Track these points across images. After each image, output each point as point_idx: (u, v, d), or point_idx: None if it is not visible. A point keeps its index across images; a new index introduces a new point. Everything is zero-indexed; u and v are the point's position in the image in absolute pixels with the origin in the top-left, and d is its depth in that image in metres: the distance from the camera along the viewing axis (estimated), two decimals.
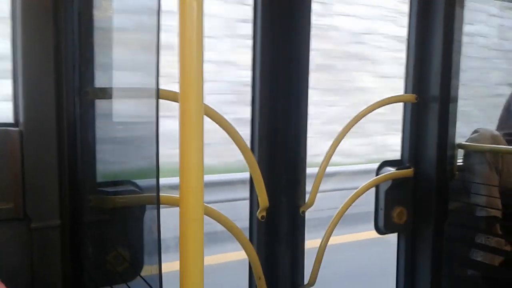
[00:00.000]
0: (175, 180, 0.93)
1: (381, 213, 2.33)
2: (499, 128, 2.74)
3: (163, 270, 1.14)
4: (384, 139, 8.02)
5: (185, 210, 0.90)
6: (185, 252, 0.90)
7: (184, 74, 0.90)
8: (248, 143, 1.97)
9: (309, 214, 2.11)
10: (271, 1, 1.98)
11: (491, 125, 2.83)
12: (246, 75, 2.09)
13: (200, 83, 0.90)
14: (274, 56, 2.00)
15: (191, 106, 0.90)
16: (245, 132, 1.94)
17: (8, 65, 1.58)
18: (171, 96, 1.57)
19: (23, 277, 1.57)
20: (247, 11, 2.10)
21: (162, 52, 1.09)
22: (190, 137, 0.90)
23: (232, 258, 4.01)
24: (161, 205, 1.14)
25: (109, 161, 1.66)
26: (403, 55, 2.37)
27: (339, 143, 2.14)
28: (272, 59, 2.00)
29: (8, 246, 1.55)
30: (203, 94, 0.92)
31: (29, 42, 1.54)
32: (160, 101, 1.12)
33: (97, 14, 1.61)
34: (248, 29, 2.05)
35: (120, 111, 1.58)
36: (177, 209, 0.92)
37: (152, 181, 1.15)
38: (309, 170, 2.09)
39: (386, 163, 2.38)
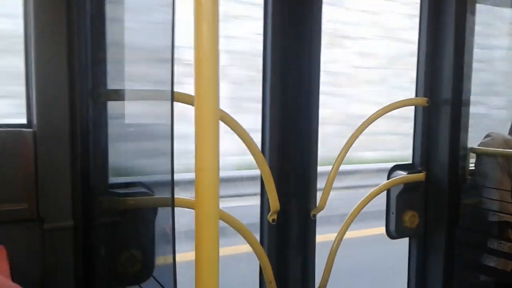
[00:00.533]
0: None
1: (393, 217, 2.32)
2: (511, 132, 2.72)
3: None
4: None
5: (200, 213, 0.90)
6: (200, 255, 0.90)
7: (199, 78, 0.89)
8: (259, 147, 1.97)
9: None
10: (281, 4, 1.98)
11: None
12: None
13: (216, 87, 0.90)
14: (285, 64, 2.00)
15: (207, 110, 0.90)
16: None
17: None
18: (187, 99, 1.57)
19: (36, 277, 1.58)
20: None
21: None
22: (206, 141, 0.90)
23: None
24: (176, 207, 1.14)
25: (122, 163, 1.66)
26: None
27: (351, 146, 2.13)
28: (282, 66, 2.00)
29: (21, 247, 1.56)
30: (219, 97, 0.91)
31: (42, 43, 1.55)
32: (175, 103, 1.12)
33: (110, 16, 1.62)
34: None
35: (133, 113, 1.58)
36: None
37: (167, 183, 1.16)
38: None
39: (397, 167, 2.37)
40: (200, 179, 0.90)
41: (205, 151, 0.90)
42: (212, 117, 0.90)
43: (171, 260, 1.13)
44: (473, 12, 2.29)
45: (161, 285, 1.35)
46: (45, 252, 1.58)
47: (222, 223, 1.83)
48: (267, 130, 2.02)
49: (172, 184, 1.10)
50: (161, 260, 1.44)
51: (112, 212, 1.62)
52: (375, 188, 2.24)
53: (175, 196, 1.19)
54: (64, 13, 1.56)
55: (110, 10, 1.62)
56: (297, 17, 2.00)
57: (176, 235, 1.16)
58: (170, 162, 1.10)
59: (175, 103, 1.20)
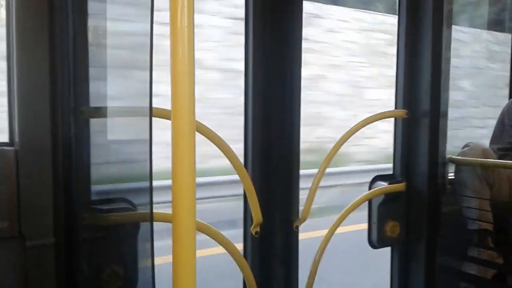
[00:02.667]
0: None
1: (374, 227, 2.35)
2: (493, 142, 2.77)
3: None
4: None
5: (177, 227, 0.92)
6: (178, 268, 0.92)
7: (176, 92, 0.92)
8: (241, 159, 1.99)
9: None
10: (263, 5, 2.00)
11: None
12: None
13: (192, 101, 0.93)
14: (266, 72, 2.02)
15: (183, 123, 0.92)
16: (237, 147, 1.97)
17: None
18: (164, 114, 1.59)
19: None
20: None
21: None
22: (182, 154, 0.92)
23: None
24: (154, 222, 1.16)
25: (103, 179, 1.67)
26: None
27: (332, 158, 2.17)
28: (264, 75, 2.03)
29: (2, 265, 1.55)
30: (195, 111, 0.94)
31: (24, 60, 1.56)
32: (154, 119, 1.15)
33: (92, 34, 1.64)
34: None
35: (114, 130, 1.60)
36: None
37: (146, 199, 1.17)
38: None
39: (378, 178, 2.40)
40: (176, 192, 0.92)
41: (181, 163, 0.92)
42: (188, 129, 0.92)
43: (151, 275, 1.15)
44: (449, 26, 2.36)
45: None
46: (27, 269, 1.58)
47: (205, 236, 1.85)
48: (249, 142, 2.05)
49: (150, 199, 1.12)
50: (142, 276, 1.45)
51: (94, 228, 1.62)
52: (356, 199, 2.27)
53: (155, 210, 1.21)
54: (46, 32, 1.58)
55: (92, 28, 1.64)
56: (277, 21, 2.02)
57: None
58: (149, 177, 1.12)
59: (155, 119, 1.23)
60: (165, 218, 1.61)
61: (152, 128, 1.13)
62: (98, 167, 1.63)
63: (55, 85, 1.58)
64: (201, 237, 1.31)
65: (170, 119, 0.93)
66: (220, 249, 1.94)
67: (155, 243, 1.18)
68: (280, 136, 2.07)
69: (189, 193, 0.92)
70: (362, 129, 2.26)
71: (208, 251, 2.95)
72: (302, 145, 2.09)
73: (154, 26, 1.11)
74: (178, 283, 0.92)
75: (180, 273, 0.91)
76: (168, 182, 0.91)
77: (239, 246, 2.02)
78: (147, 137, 1.14)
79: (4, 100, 1.59)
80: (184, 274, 0.91)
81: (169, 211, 1.01)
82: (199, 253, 0.97)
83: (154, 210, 1.17)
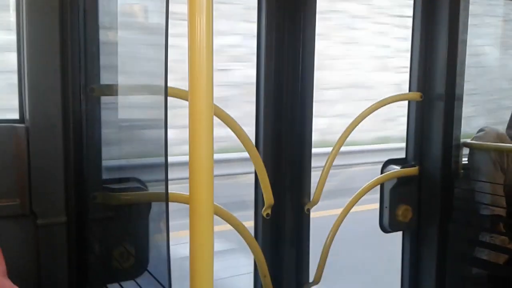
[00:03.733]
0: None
1: (386, 211, 2.33)
2: (509, 127, 2.72)
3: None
4: None
5: (195, 208, 0.90)
6: (195, 250, 0.90)
7: (193, 73, 0.89)
8: (253, 141, 1.97)
9: None
10: (276, 2, 1.98)
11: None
12: None
13: (210, 82, 0.90)
14: (279, 55, 2.00)
15: (201, 105, 0.90)
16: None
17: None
18: (181, 95, 1.57)
19: (30, 273, 1.57)
20: None
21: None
22: (200, 136, 0.90)
23: None
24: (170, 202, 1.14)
25: (115, 158, 1.66)
26: None
27: (344, 141, 2.14)
28: (277, 58, 2.00)
29: (15, 242, 1.55)
30: (213, 92, 0.91)
31: (35, 38, 1.54)
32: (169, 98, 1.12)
33: (103, 10, 1.61)
34: None
35: (126, 108, 1.58)
36: None
37: (159, 178, 1.15)
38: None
39: (391, 161, 2.38)
40: (194, 174, 0.90)
41: (199, 146, 0.90)
42: (206, 112, 0.90)
43: (165, 255, 1.13)
44: (466, 8, 2.30)
45: (156, 279, 1.35)
46: (38, 247, 1.58)
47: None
48: (261, 125, 2.03)
49: (166, 178, 1.10)
50: (155, 254, 1.44)
51: (106, 207, 1.62)
52: (368, 182, 2.25)
53: (170, 191, 1.19)
54: (57, 9, 1.55)
55: (103, 5, 1.61)
56: (291, 12, 2.00)
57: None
58: (164, 157, 1.10)
59: (169, 98, 1.20)
60: (181, 199, 1.60)
61: (167, 108, 1.10)
62: (110, 146, 1.62)
63: (65, 62, 1.56)
64: None
65: (187, 100, 0.91)
66: None
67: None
68: (292, 118, 2.04)
69: (207, 176, 0.90)
70: None
71: None
72: None
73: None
74: (196, 265, 0.90)
75: (198, 255, 0.90)
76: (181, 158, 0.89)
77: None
78: (162, 116, 1.11)
79: (15, 78, 1.57)
80: (202, 258, 0.90)
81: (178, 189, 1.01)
82: None
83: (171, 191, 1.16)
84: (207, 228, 0.90)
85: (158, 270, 1.35)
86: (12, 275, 1.28)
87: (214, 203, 0.91)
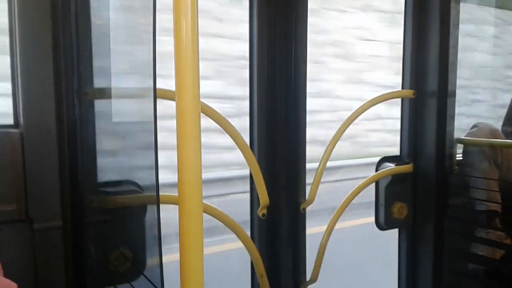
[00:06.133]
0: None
1: (382, 209, 2.34)
2: (505, 124, 2.73)
3: (167, 266, 1.15)
4: None
5: (184, 208, 0.91)
6: (185, 250, 0.91)
7: (180, 73, 0.90)
8: (247, 140, 1.97)
9: None
10: (267, 3, 1.99)
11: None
12: None
13: (196, 81, 0.91)
14: (272, 52, 2.01)
15: (188, 104, 0.91)
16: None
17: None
18: (169, 95, 1.58)
19: (26, 278, 1.58)
20: None
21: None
22: (188, 135, 0.91)
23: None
24: (161, 204, 1.15)
25: (109, 162, 1.67)
26: None
27: (339, 139, 2.15)
28: (269, 55, 2.01)
29: (11, 248, 1.56)
30: (200, 91, 0.92)
31: (28, 43, 1.55)
32: (159, 100, 1.13)
33: (95, 14, 1.62)
34: None
35: (119, 111, 1.59)
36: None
37: (152, 180, 1.16)
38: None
39: (385, 159, 2.39)
40: (182, 174, 0.91)
41: (187, 145, 0.91)
42: (193, 111, 0.90)
43: (158, 258, 1.14)
44: (457, 4, 2.31)
45: (152, 283, 1.36)
46: (35, 252, 1.59)
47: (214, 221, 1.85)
48: (255, 124, 2.03)
49: (156, 180, 1.11)
50: (151, 258, 1.44)
51: (101, 210, 1.62)
52: (363, 181, 2.26)
53: (161, 193, 1.20)
54: (49, 12, 1.56)
55: (94, 9, 1.62)
56: (283, 15, 2.01)
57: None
58: (154, 158, 1.11)
59: (160, 100, 1.21)
60: (171, 200, 1.60)
61: (156, 109, 1.11)
62: (104, 149, 1.63)
63: (59, 66, 1.57)
64: None
65: (174, 100, 0.92)
66: None
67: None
68: (286, 117, 2.05)
69: (195, 175, 0.91)
70: None
71: None
72: None
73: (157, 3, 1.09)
74: (185, 265, 0.91)
75: (187, 255, 0.91)
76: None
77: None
78: (152, 118, 1.12)
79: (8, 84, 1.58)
80: (191, 257, 0.91)
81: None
82: None
83: (163, 192, 1.16)
84: (196, 227, 0.91)
85: (154, 274, 1.36)
86: (8, 279, 1.29)
87: (209, 203, 0.92)
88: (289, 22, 2.01)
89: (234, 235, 1.93)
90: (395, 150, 2.42)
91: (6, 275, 1.28)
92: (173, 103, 0.93)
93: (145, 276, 1.44)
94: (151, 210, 1.45)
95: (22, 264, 1.59)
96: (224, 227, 1.90)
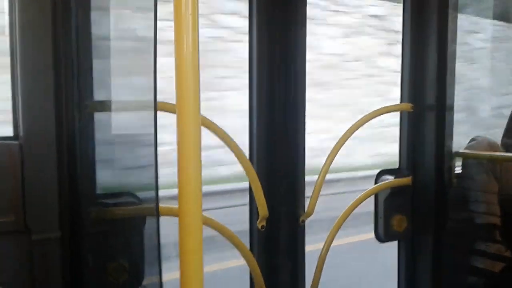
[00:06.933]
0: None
1: (381, 221, 2.34)
2: (505, 135, 2.73)
3: (168, 277, 1.15)
4: None
5: (184, 221, 0.92)
6: (185, 261, 0.91)
7: (181, 86, 0.91)
8: (246, 153, 1.98)
9: None
10: (266, 3, 2.00)
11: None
12: None
13: (197, 95, 0.92)
14: (271, 66, 2.02)
15: (189, 117, 0.91)
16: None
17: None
18: (169, 108, 1.58)
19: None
20: None
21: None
22: (188, 148, 0.91)
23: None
24: (160, 216, 1.15)
25: (108, 173, 1.67)
26: None
27: (337, 152, 2.16)
28: (269, 68, 2.02)
29: (9, 259, 1.56)
30: (200, 105, 0.93)
31: (28, 55, 1.55)
32: (159, 113, 1.14)
33: (95, 28, 1.63)
34: None
35: (119, 124, 1.59)
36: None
37: (152, 193, 1.17)
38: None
39: (384, 172, 2.39)
40: (183, 187, 0.92)
41: (187, 158, 0.92)
42: (193, 124, 0.91)
43: (158, 269, 1.14)
44: (455, 19, 2.33)
45: None
46: (33, 263, 1.58)
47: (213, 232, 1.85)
48: (254, 136, 2.04)
49: (156, 192, 1.11)
50: (148, 269, 1.44)
51: (99, 222, 1.62)
52: (362, 193, 2.26)
53: (161, 205, 1.20)
54: (50, 26, 1.57)
55: (95, 23, 1.63)
56: (281, 21, 2.02)
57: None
58: (154, 171, 1.12)
59: (160, 113, 1.22)
60: (171, 212, 1.61)
61: (157, 122, 1.12)
62: (103, 161, 1.63)
63: (59, 78, 1.58)
64: None
65: (175, 113, 0.93)
66: None
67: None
68: (285, 129, 2.05)
69: (196, 187, 0.92)
70: None
71: None
72: None
73: (158, 17, 1.10)
74: (186, 276, 0.91)
75: (187, 266, 0.91)
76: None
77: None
78: (152, 131, 1.13)
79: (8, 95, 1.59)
80: (192, 268, 0.91)
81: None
82: None
83: (161, 204, 1.17)
84: (197, 238, 0.91)
85: (152, 284, 1.36)
86: None
87: (210, 217, 0.92)
88: (288, 28, 2.02)
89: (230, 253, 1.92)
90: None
91: (3, 285, 1.28)
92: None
93: (144, 287, 1.44)
94: (150, 221, 1.45)
95: (19, 275, 1.58)
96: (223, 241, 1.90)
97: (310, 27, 2.05)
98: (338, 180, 7.07)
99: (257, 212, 2.00)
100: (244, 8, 2.06)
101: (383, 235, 2.35)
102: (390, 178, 2.36)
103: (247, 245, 2.02)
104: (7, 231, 1.55)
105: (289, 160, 2.08)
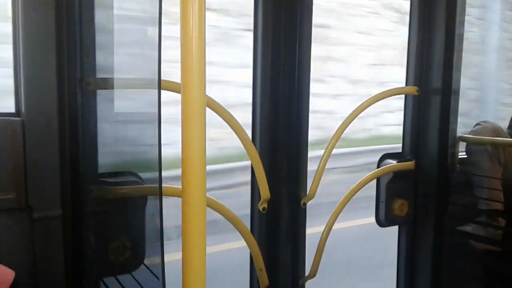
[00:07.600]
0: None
1: (382, 206, 2.34)
2: (510, 126, 2.71)
3: (166, 259, 1.14)
4: None
5: (187, 201, 0.90)
6: (187, 243, 0.91)
7: (186, 65, 0.89)
8: (249, 134, 1.97)
9: None
10: (272, 5, 1.98)
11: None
12: None
13: (203, 74, 0.90)
14: (275, 47, 2.00)
15: (194, 97, 0.90)
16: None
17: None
18: (174, 87, 1.57)
19: (25, 266, 1.58)
20: None
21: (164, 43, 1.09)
22: (193, 128, 0.90)
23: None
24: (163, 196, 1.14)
25: (111, 152, 1.66)
26: None
27: (341, 135, 2.14)
28: (273, 50, 2.00)
29: (10, 236, 1.55)
30: (205, 85, 0.91)
31: (31, 31, 1.53)
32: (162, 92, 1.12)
33: (99, 3, 1.60)
34: None
35: (122, 102, 1.58)
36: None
37: (155, 172, 1.16)
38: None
39: (387, 156, 2.38)
40: (186, 167, 0.90)
41: (192, 138, 0.90)
42: (198, 104, 0.90)
43: (159, 248, 1.14)
44: (463, 2, 2.29)
45: (152, 272, 1.36)
46: (34, 241, 1.58)
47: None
48: (257, 118, 2.03)
49: (159, 172, 1.10)
50: (150, 248, 1.44)
51: (101, 201, 1.62)
52: (364, 177, 2.25)
53: (164, 185, 1.19)
54: (53, 3, 1.55)
55: None
56: (288, 13, 1.99)
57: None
58: (157, 150, 1.10)
59: (163, 92, 1.20)
60: (174, 193, 1.60)
61: (161, 101, 1.10)
62: (106, 139, 1.62)
63: (61, 55, 1.56)
64: None
65: (179, 92, 0.91)
66: None
67: None
68: (288, 111, 2.04)
69: (200, 169, 0.90)
70: None
71: None
72: None
73: None
74: (188, 258, 0.90)
75: (190, 248, 0.90)
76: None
77: None
78: (156, 110, 1.11)
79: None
80: (194, 250, 0.90)
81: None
82: None
83: (163, 184, 1.16)
84: (200, 220, 0.90)
85: (153, 263, 1.36)
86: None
87: (209, 196, 0.91)
88: (294, 21, 2.00)
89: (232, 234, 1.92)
90: None
91: (4, 263, 1.27)
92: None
93: (145, 265, 1.43)
94: (152, 201, 1.45)
95: (20, 253, 1.58)
96: (224, 222, 1.90)
97: None
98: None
99: (259, 194, 1.99)
100: None
101: (384, 220, 2.35)
102: (393, 162, 2.35)
103: (248, 227, 2.02)
104: (8, 208, 1.54)
105: (292, 142, 2.06)
